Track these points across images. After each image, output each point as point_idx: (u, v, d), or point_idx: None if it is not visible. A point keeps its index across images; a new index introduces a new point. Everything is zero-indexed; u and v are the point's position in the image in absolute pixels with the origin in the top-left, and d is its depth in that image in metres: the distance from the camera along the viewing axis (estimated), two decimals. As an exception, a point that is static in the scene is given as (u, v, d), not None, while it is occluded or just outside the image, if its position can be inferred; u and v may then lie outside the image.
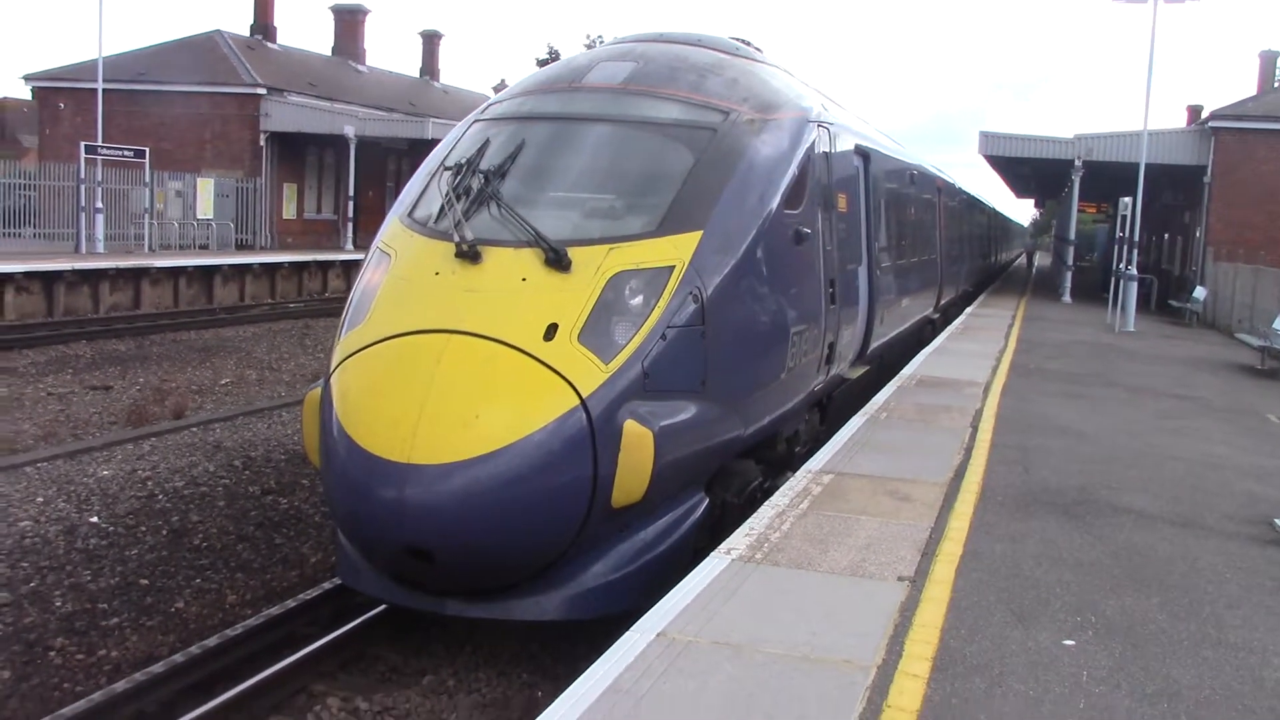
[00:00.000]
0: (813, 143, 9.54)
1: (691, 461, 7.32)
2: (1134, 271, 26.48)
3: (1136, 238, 27.52)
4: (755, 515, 7.50)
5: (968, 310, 26.94)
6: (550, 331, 6.76)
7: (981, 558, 6.92)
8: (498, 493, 6.34)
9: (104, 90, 33.47)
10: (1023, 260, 77.91)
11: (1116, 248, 27.45)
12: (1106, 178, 34.87)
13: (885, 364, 14.82)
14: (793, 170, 8.85)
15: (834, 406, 11.55)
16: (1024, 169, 42.92)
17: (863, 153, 12.36)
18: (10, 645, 7.43)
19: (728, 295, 7.62)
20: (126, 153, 33.18)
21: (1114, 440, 11.31)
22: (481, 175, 7.86)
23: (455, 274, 7.20)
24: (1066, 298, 33.82)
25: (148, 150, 33.95)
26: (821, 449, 9.72)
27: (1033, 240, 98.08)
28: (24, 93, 49.88)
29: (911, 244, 16.77)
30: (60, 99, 40.93)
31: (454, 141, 8.82)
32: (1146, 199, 28.39)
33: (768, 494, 8.30)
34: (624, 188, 7.98)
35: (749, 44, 10.77)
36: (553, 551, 6.70)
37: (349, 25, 52.34)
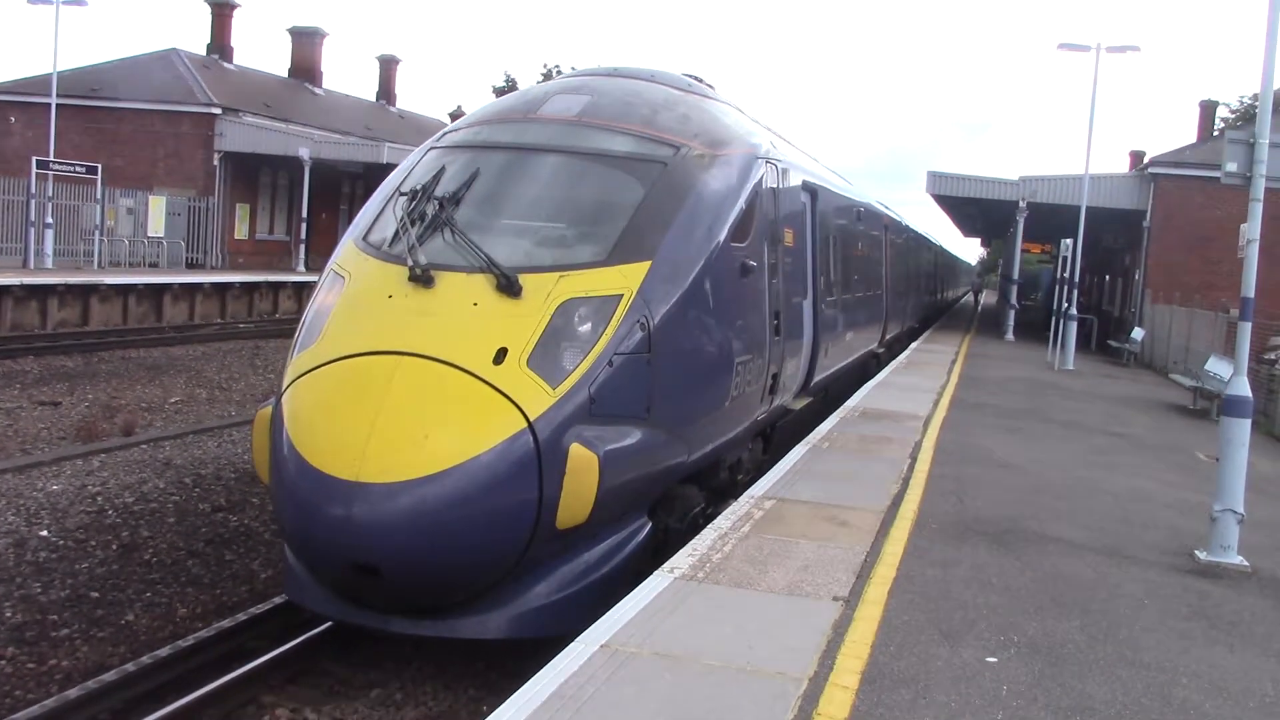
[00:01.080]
0: (760, 178, 9.82)
1: (635, 486, 7.52)
2: (1074, 312, 27.09)
3: (1077, 279, 28.15)
4: (698, 537, 7.75)
5: (913, 345, 27.43)
6: (500, 355, 6.94)
7: (914, 581, 7.21)
8: (445, 512, 6.50)
9: (57, 105, 33.30)
10: (969, 298, 79.06)
11: (1058, 288, 28.06)
12: (1050, 219, 35.59)
13: (830, 396, 15.14)
14: (740, 205, 9.12)
15: (778, 436, 11.82)
16: (971, 209, 43.72)
17: (810, 189, 12.70)
18: (-41, 654, 7.48)
19: (674, 324, 7.86)
20: (79, 168, 32.95)
21: (1047, 473, 11.69)
22: (436, 201, 8.04)
23: (408, 297, 7.38)
24: (1009, 335, 34.53)
25: (100, 167, 33.77)
26: (764, 476, 9.98)
27: (979, 278, 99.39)
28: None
29: (857, 279, 17.14)
30: (11, 112, 40.56)
31: (410, 168, 9.01)
32: (1088, 241, 29.05)
33: (710, 520, 8.51)
34: (576, 217, 8.21)
35: (701, 80, 11.08)
36: (498, 571, 6.87)
37: (306, 47, 52.35)
